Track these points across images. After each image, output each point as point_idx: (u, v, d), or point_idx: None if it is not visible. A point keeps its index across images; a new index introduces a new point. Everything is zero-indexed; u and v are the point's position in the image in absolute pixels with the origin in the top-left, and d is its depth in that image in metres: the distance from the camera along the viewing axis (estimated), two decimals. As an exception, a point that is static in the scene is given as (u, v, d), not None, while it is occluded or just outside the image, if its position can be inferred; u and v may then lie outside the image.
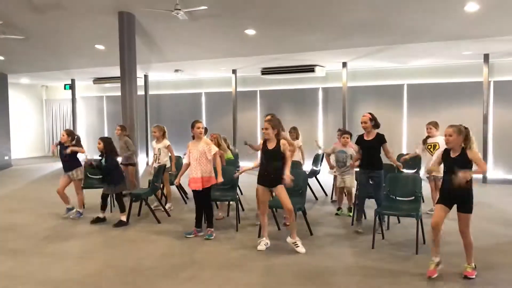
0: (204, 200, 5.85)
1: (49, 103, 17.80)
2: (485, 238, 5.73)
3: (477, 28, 7.80)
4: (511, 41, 8.39)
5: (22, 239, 5.95)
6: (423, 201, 6.53)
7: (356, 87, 12.00)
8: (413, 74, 11.57)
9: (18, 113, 16.36)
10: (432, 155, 6.75)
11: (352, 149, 7.00)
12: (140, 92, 11.28)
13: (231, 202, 7.12)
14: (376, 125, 5.89)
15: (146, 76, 14.38)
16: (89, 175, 7.77)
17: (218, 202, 6.88)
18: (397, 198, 5.62)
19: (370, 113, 5.91)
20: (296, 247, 5.24)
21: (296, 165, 7.72)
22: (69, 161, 6.96)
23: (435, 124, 7.00)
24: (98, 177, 7.60)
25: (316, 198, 8.32)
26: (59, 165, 8.71)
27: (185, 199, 8.26)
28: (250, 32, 8.84)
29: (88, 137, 16.93)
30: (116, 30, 8.54)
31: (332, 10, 7.66)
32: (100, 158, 6.68)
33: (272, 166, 5.23)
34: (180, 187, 8.32)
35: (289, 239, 5.31)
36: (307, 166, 8.76)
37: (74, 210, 7.11)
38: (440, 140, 6.66)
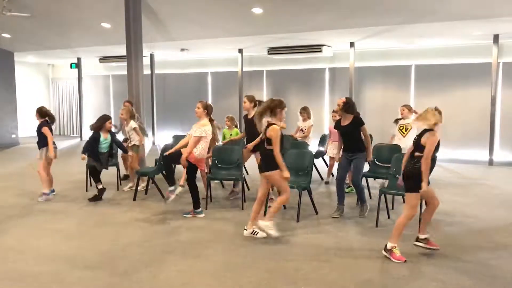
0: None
1: (55, 81, 17.82)
2: (490, 219, 5.76)
3: (487, 8, 7.66)
4: (522, 21, 8.26)
5: (30, 215, 6.05)
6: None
7: (364, 68, 11.90)
8: (421, 55, 11.44)
9: (25, 91, 16.39)
10: (403, 136, 7.28)
11: None
12: (146, 71, 11.25)
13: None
14: (350, 110, 5.78)
15: (152, 55, 14.33)
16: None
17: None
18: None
19: (346, 98, 5.88)
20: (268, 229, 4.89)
21: (303, 145, 7.76)
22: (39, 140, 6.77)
23: (409, 107, 7.47)
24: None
25: (322, 178, 8.35)
26: (65, 143, 8.82)
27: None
28: (257, 10, 8.74)
29: (95, 116, 16.97)
30: (122, 8, 8.49)
31: (341, -12, 7.56)
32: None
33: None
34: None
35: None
36: (314, 147, 8.76)
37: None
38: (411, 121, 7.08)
